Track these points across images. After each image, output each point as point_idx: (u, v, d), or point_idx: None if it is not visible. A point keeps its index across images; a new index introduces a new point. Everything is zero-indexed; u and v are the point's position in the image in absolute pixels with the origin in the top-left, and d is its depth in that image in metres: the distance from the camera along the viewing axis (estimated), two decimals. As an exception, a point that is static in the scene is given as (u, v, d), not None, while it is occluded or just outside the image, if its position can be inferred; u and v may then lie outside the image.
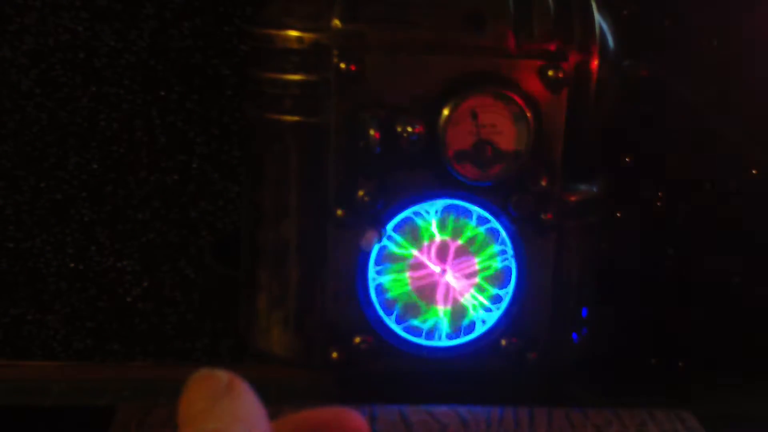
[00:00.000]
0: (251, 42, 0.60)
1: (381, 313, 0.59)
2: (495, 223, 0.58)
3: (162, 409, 0.55)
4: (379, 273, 0.58)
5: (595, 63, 0.58)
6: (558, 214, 0.58)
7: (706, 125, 0.69)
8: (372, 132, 0.54)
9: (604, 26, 0.59)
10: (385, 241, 0.58)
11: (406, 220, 0.58)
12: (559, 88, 0.56)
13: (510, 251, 0.59)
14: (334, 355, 0.59)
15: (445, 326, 0.59)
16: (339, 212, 0.56)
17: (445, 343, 0.60)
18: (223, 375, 0.27)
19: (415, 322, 0.59)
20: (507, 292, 0.60)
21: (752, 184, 0.76)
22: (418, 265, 0.58)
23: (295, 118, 0.57)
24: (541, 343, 0.60)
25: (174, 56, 0.71)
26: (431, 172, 0.57)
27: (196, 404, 0.26)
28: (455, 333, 0.60)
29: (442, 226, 0.58)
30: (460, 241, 0.58)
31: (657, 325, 0.78)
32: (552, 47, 0.57)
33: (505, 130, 0.56)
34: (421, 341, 0.59)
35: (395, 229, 0.58)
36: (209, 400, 0.26)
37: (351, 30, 0.55)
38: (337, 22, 0.55)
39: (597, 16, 0.58)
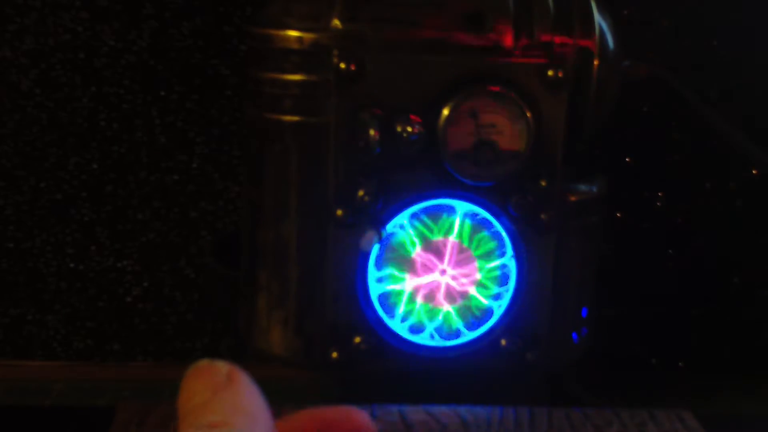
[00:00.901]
0: (251, 42, 0.60)
1: (381, 313, 0.59)
2: (495, 223, 0.58)
3: (162, 409, 0.55)
4: (379, 273, 0.58)
5: (595, 63, 0.58)
6: (558, 214, 0.58)
7: (706, 125, 0.69)
8: (372, 132, 0.54)
9: (604, 26, 0.59)
10: (384, 241, 0.58)
11: (406, 221, 0.58)
12: (559, 88, 0.56)
13: (510, 251, 0.59)
14: (334, 355, 0.59)
15: (445, 326, 0.59)
16: (339, 212, 0.56)
17: (445, 343, 0.60)
18: (222, 366, 0.27)
19: (415, 322, 0.59)
20: (507, 292, 0.60)
21: (752, 184, 0.76)
22: (418, 265, 0.58)
23: (295, 118, 0.57)
24: (541, 343, 0.60)
25: (174, 56, 0.71)
26: (431, 172, 0.57)
27: (196, 396, 0.26)
28: (455, 333, 0.59)
29: (441, 226, 0.58)
30: (459, 241, 0.58)
31: (657, 325, 0.78)
32: (552, 47, 0.57)
33: (505, 130, 0.56)
34: (421, 341, 0.59)
35: (395, 228, 0.58)
36: (209, 392, 0.26)
37: (351, 30, 0.55)
38: (337, 22, 0.55)
39: (597, 16, 0.58)
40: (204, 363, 0.27)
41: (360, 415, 0.29)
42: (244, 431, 0.25)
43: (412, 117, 0.55)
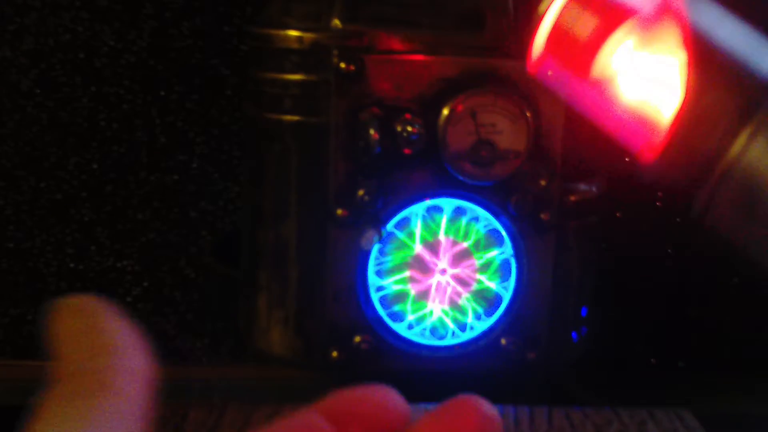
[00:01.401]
0: (251, 42, 0.60)
1: (381, 313, 0.59)
2: (495, 223, 0.58)
3: (161, 408, 0.55)
4: (379, 272, 0.58)
5: (595, 63, 0.58)
6: (558, 214, 0.58)
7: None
8: (372, 132, 0.54)
9: (604, 26, 0.59)
10: (384, 241, 0.58)
11: (406, 220, 0.58)
12: (559, 88, 0.56)
13: (510, 251, 0.59)
14: (334, 355, 0.59)
15: (445, 326, 0.59)
16: (339, 212, 0.56)
17: (445, 342, 0.60)
18: (87, 300, 0.26)
19: (415, 322, 0.59)
20: (507, 292, 0.60)
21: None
22: (418, 265, 0.58)
23: (295, 118, 0.57)
24: (541, 343, 0.60)
25: (174, 56, 0.71)
26: (431, 172, 0.57)
27: (65, 336, 0.25)
28: (455, 333, 0.59)
29: (441, 226, 0.58)
30: (459, 241, 0.58)
31: (657, 325, 0.78)
32: (552, 47, 0.57)
33: (505, 130, 0.56)
34: (421, 341, 0.59)
35: (395, 228, 0.58)
36: (77, 328, 0.25)
37: (351, 30, 0.55)
38: (337, 22, 0.55)
39: (597, 16, 0.58)
40: (69, 299, 0.26)
41: (395, 396, 0.27)
42: (117, 362, 0.25)
43: (412, 117, 0.55)
